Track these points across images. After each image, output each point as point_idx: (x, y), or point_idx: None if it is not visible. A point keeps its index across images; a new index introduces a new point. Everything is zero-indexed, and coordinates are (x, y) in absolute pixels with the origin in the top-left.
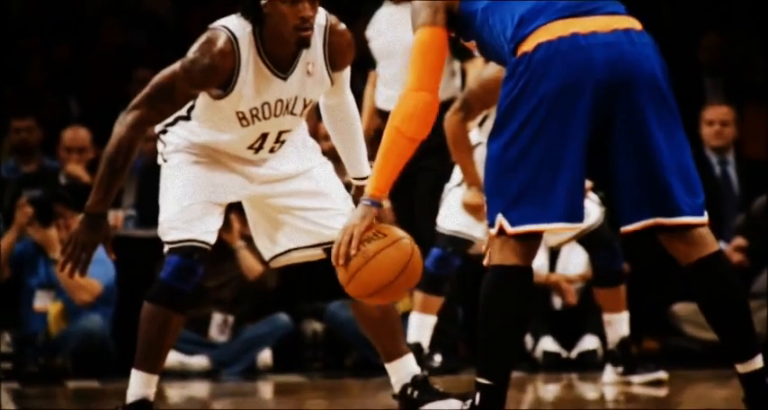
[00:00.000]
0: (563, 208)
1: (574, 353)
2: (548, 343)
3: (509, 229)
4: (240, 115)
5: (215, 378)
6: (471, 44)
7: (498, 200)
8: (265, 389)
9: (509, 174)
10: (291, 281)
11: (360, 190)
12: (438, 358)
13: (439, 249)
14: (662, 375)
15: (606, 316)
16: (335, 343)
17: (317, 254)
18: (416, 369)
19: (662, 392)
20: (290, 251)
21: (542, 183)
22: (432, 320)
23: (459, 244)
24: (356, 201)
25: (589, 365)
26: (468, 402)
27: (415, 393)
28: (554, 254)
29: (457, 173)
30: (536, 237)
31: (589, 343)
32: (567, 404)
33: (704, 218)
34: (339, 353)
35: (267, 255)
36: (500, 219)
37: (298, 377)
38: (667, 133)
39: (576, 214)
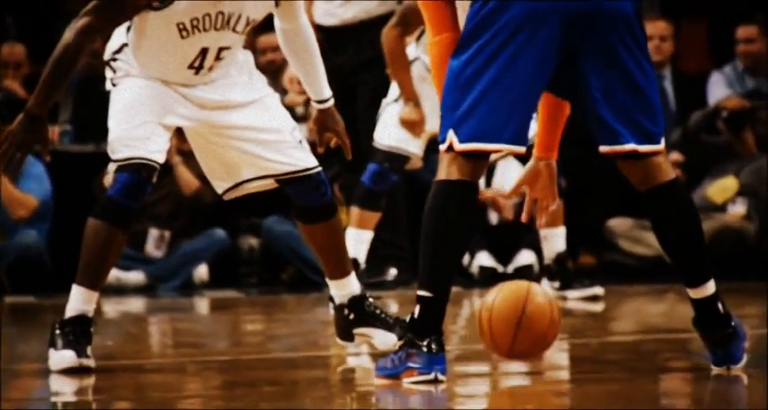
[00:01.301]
0: (510, 131)
1: (510, 268)
2: (484, 259)
3: (457, 146)
4: (180, 26)
5: (151, 293)
6: None
7: (451, 116)
8: (201, 305)
9: (464, 92)
10: None
11: (321, 112)
12: (393, 271)
13: (376, 164)
14: (598, 290)
15: (543, 232)
16: (272, 259)
17: (269, 183)
18: (356, 290)
19: (598, 307)
20: (242, 183)
21: (493, 104)
22: (368, 235)
23: (396, 159)
24: (320, 125)
25: (525, 280)
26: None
27: (351, 315)
28: (490, 169)
29: (394, 89)
30: (483, 157)
31: (525, 258)
32: None
33: (658, 147)
34: (275, 269)
35: (220, 190)
36: (450, 135)
37: (234, 292)
38: (633, 64)
39: (521, 138)
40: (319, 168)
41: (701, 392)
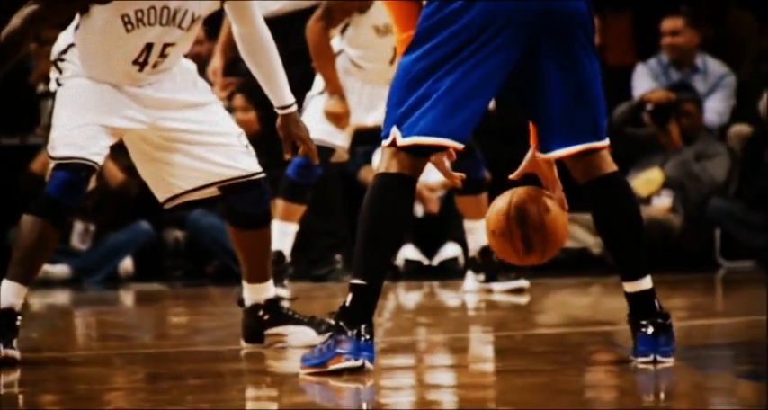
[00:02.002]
0: (453, 127)
1: (435, 261)
2: (409, 251)
3: (399, 141)
4: (125, 19)
5: (76, 286)
6: None
7: (395, 112)
8: (127, 298)
9: (412, 89)
10: None
11: (285, 118)
12: (338, 257)
13: (300, 157)
14: (523, 283)
15: (467, 224)
16: (197, 251)
17: (212, 191)
18: (272, 295)
19: (522, 300)
20: (186, 193)
21: (441, 102)
22: (293, 228)
23: (321, 152)
24: (284, 131)
25: (450, 273)
26: (326, 334)
27: (266, 316)
28: None
29: (319, 82)
30: (424, 154)
31: (450, 250)
32: (428, 311)
33: (605, 142)
34: (200, 261)
35: (161, 198)
36: (394, 131)
37: (159, 285)
38: (587, 62)
39: (462, 135)
40: (264, 175)
41: (627, 384)
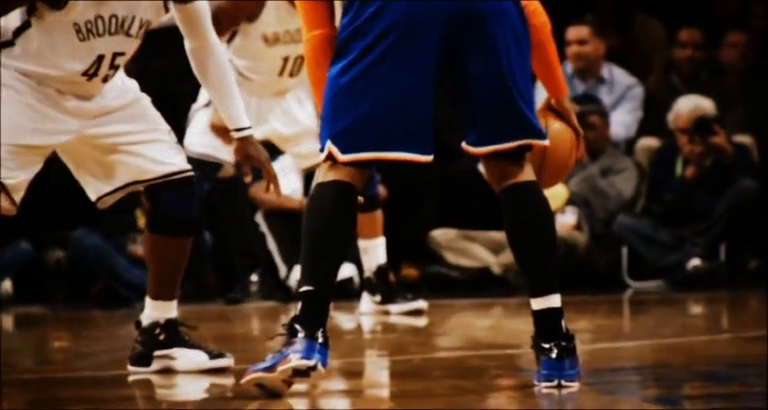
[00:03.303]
0: (397, 137)
1: None
2: None
3: (339, 156)
4: (77, 28)
5: None
6: None
7: (330, 126)
8: (6, 321)
9: (343, 101)
10: (33, 208)
11: (241, 141)
12: (254, 277)
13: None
14: (421, 304)
15: (362, 243)
16: (80, 273)
17: (139, 187)
18: (174, 315)
19: (421, 321)
20: (119, 189)
21: (379, 112)
22: None
23: (207, 167)
24: (241, 156)
25: (345, 294)
26: (218, 359)
27: (162, 335)
28: (309, 178)
29: (204, 94)
30: (366, 165)
31: (345, 271)
32: None
33: (538, 141)
34: (83, 283)
35: (94, 196)
36: (329, 146)
37: (40, 308)
38: (517, 61)
39: (420, 145)
40: (193, 173)
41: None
